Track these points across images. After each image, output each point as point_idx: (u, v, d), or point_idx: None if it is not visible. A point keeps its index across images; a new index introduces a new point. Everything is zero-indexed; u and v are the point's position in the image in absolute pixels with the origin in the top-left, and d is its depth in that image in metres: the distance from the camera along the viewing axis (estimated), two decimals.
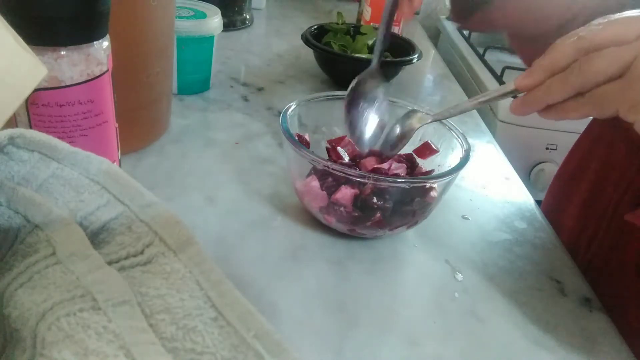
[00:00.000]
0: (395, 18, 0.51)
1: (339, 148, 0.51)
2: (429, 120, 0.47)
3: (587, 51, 0.33)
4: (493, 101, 0.40)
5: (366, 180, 0.42)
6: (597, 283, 0.46)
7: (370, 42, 0.82)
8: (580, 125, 0.63)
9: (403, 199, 0.44)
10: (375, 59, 0.52)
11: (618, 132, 0.55)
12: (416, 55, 0.77)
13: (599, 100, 0.33)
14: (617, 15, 0.33)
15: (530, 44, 0.55)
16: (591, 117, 0.55)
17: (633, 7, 0.40)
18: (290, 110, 0.49)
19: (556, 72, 0.34)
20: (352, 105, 0.49)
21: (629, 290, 0.48)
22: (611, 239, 0.51)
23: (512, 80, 0.37)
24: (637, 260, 0.48)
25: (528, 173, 0.98)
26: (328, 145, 0.52)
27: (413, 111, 0.49)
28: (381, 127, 0.50)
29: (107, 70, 0.38)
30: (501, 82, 1.00)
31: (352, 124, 0.49)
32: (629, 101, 0.31)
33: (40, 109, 0.35)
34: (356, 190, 0.44)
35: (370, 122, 0.50)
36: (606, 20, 0.33)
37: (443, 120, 0.50)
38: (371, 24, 0.96)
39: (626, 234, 0.49)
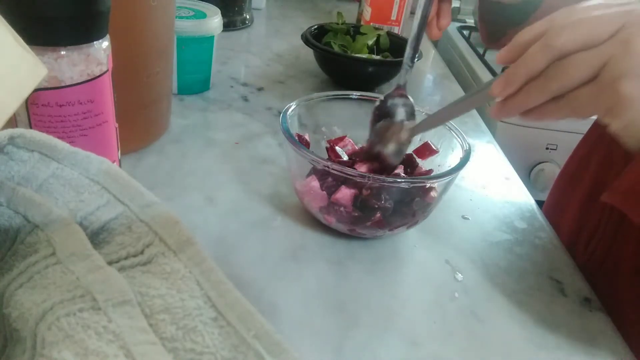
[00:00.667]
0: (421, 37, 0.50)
1: (337, 147, 0.52)
2: (413, 134, 0.46)
3: (559, 54, 0.32)
4: (472, 108, 0.41)
5: (366, 181, 0.42)
6: (594, 283, 0.47)
7: (370, 42, 0.82)
8: (581, 125, 0.63)
9: (403, 199, 0.44)
10: (402, 79, 0.49)
11: None
12: (416, 55, 0.77)
13: (575, 103, 0.33)
14: (581, 9, 0.33)
15: None
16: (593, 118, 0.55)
17: None
18: (290, 110, 0.49)
19: (532, 78, 0.34)
20: (376, 122, 0.48)
21: (626, 290, 0.48)
22: (609, 240, 0.51)
23: (487, 86, 0.37)
24: (634, 260, 0.48)
25: (528, 173, 0.98)
26: (328, 145, 0.52)
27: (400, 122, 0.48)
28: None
29: (107, 70, 0.38)
30: None
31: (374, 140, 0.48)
32: (603, 106, 0.32)
33: (40, 109, 0.35)
34: (356, 190, 0.44)
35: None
36: (571, 18, 0.32)
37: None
38: (371, 24, 0.96)
39: (624, 235, 0.49)
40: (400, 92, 0.48)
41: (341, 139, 0.53)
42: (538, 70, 0.34)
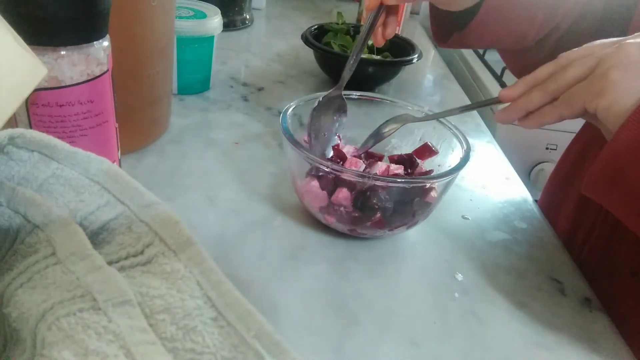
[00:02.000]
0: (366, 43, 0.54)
1: (340, 144, 0.52)
2: (409, 121, 0.51)
3: (563, 66, 0.39)
4: (477, 108, 0.48)
5: (366, 181, 0.42)
6: (591, 283, 0.47)
7: (370, 42, 0.82)
8: (579, 125, 0.63)
9: (403, 199, 0.44)
10: (342, 82, 0.53)
11: None
12: (416, 55, 0.77)
13: (569, 98, 0.39)
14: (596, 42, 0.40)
15: (515, 58, 0.60)
16: (584, 121, 0.57)
17: (610, 19, 0.50)
18: (290, 110, 0.49)
19: (535, 85, 0.41)
20: (314, 120, 0.51)
21: (622, 290, 0.48)
22: (604, 240, 0.51)
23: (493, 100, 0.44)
24: (630, 260, 0.48)
25: (528, 173, 0.98)
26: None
27: (404, 115, 0.51)
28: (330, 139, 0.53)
29: (107, 70, 0.38)
30: (501, 82, 1.00)
31: (312, 135, 0.51)
32: (592, 93, 0.37)
33: (40, 109, 0.35)
34: (356, 191, 0.44)
35: (327, 136, 0.53)
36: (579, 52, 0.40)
37: (443, 121, 0.51)
38: None
39: (619, 235, 0.49)
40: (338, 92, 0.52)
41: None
42: (544, 76, 0.40)
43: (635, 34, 0.39)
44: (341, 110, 0.53)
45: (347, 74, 0.52)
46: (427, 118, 0.51)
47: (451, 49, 0.62)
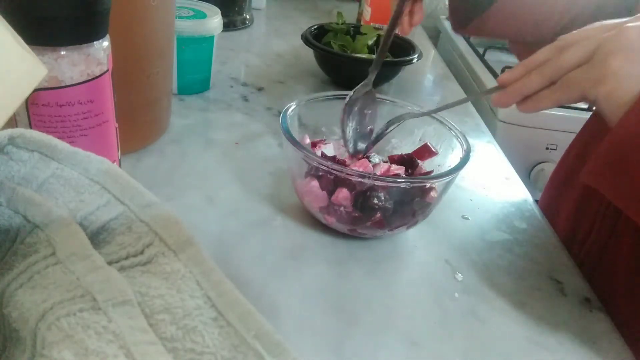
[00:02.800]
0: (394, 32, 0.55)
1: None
2: (413, 116, 0.51)
3: (562, 48, 0.39)
4: (478, 98, 0.47)
5: (366, 180, 0.42)
6: (590, 283, 0.47)
7: (370, 42, 0.82)
8: (580, 125, 0.64)
9: (403, 199, 0.44)
10: (372, 76, 0.53)
11: None
12: (416, 55, 0.77)
13: (568, 84, 0.38)
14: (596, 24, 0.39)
15: (529, 50, 0.58)
16: (585, 119, 0.57)
17: (629, 13, 0.44)
18: (290, 110, 0.49)
19: (534, 68, 0.40)
20: (347, 114, 0.52)
21: (621, 289, 0.48)
22: (604, 239, 0.51)
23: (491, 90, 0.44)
24: (629, 259, 0.48)
25: (528, 173, 0.98)
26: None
27: (405, 114, 0.51)
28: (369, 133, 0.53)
29: (107, 70, 0.38)
30: None
31: (345, 131, 0.52)
32: (592, 80, 0.36)
33: (40, 109, 0.35)
34: (356, 191, 0.44)
35: (360, 130, 0.53)
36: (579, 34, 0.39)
37: (443, 121, 0.51)
38: (371, 24, 0.96)
39: (619, 234, 0.49)
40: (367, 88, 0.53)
41: (322, 141, 0.53)
42: (542, 59, 0.40)
43: (636, 15, 0.38)
44: (372, 104, 0.53)
45: (375, 67, 0.53)
46: (427, 113, 0.51)
47: (467, 36, 0.62)
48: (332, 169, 0.42)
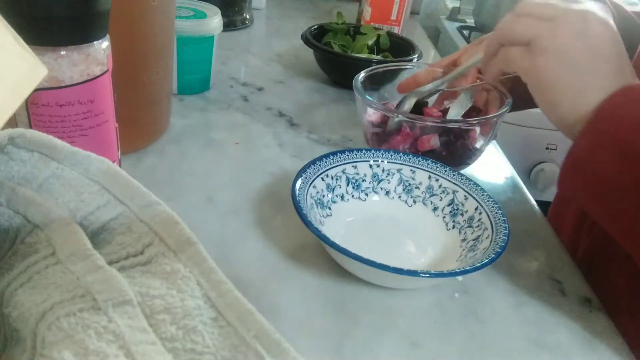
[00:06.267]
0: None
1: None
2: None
3: (519, 16, 0.42)
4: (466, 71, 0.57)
5: (448, 125, 0.54)
6: (594, 283, 0.46)
7: (370, 42, 0.82)
8: None
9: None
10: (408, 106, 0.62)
11: None
12: (416, 55, 0.77)
13: (507, 56, 0.43)
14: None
15: None
16: None
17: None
18: (360, 77, 0.58)
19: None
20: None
21: (622, 289, 0.48)
22: (604, 239, 0.51)
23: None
24: (629, 260, 0.48)
25: (528, 173, 0.98)
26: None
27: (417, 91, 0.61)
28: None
29: (107, 70, 0.38)
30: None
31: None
32: (524, 66, 0.42)
33: (40, 109, 0.35)
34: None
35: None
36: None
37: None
38: (371, 24, 0.96)
39: None
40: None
41: (386, 103, 0.62)
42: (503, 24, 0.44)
43: None
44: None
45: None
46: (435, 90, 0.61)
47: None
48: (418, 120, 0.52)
